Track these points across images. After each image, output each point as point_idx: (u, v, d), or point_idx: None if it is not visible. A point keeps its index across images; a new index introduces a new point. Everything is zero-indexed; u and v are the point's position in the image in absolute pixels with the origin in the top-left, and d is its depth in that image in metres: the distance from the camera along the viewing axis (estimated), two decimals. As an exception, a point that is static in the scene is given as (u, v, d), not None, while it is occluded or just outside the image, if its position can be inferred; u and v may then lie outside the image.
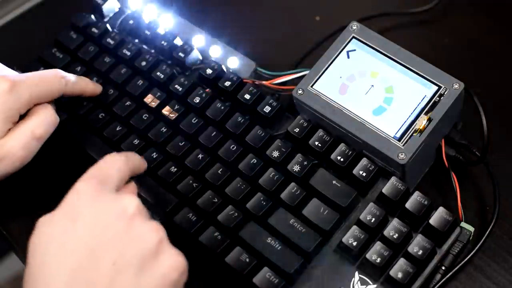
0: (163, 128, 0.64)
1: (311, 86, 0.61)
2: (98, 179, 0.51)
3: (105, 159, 0.53)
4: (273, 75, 0.67)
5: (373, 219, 0.57)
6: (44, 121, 0.59)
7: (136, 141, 0.64)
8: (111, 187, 0.51)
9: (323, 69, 0.62)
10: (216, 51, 0.69)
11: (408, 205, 0.57)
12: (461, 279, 0.58)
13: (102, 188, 0.50)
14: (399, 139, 0.58)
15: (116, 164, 0.53)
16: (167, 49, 0.68)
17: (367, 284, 0.56)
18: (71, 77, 0.62)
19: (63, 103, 0.67)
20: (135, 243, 0.48)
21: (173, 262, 0.48)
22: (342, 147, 0.60)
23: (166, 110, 0.65)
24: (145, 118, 0.65)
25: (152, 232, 0.49)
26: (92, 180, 0.50)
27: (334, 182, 0.59)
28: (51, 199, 0.66)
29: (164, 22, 0.71)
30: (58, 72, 0.61)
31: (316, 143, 0.60)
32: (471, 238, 0.58)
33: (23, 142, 0.58)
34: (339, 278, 0.56)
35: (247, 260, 0.56)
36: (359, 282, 0.56)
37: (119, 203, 0.49)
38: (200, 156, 0.62)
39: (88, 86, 0.64)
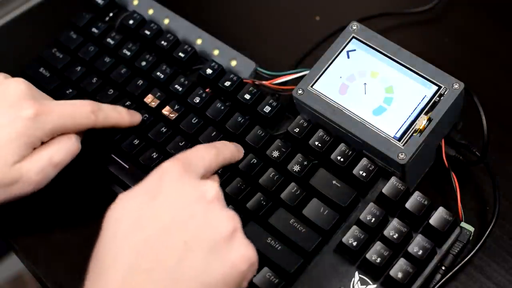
0: (163, 128, 0.64)
1: (311, 86, 0.61)
2: (184, 163, 0.51)
3: (196, 147, 0.55)
4: (273, 75, 0.67)
5: (373, 219, 0.57)
6: (64, 149, 0.58)
7: (136, 141, 0.64)
8: (196, 173, 0.52)
9: (323, 69, 0.62)
10: (216, 51, 0.69)
11: (408, 205, 0.57)
12: (461, 279, 0.58)
13: (186, 171, 0.51)
14: (399, 139, 0.58)
15: (206, 155, 0.54)
16: (167, 49, 0.68)
17: (367, 284, 0.56)
18: (105, 109, 0.61)
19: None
20: (210, 227, 0.48)
21: (244, 252, 0.48)
22: (342, 147, 0.60)
23: (166, 110, 0.65)
24: (145, 118, 0.65)
25: (228, 219, 0.49)
26: (178, 162, 0.51)
27: (334, 182, 0.59)
28: (51, 199, 0.66)
29: (164, 22, 0.71)
30: (89, 106, 0.60)
31: (316, 143, 0.60)
32: (471, 238, 0.58)
33: (39, 167, 0.57)
34: (339, 278, 0.56)
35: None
36: (359, 282, 0.56)
37: (200, 187, 0.50)
38: (200, 156, 0.62)
39: (123, 119, 0.62)
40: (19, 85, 0.59)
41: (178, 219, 0.48)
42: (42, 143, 0.58)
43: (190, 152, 0.54)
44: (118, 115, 0.62)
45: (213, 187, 0.50)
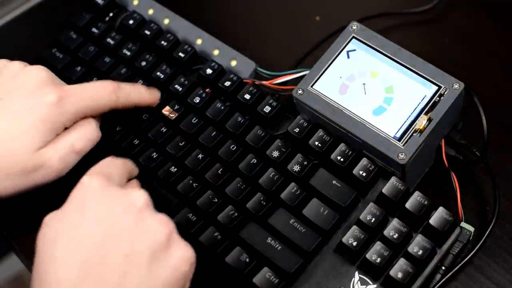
0: (163, 128, 0.64)
1: (311, 86, 0.61)
2: (102, 175, 0.51)
3: (105, 159, 0.55)
4: (273, 75, 0.67)
5: (373, 219, 0.57)
6: (86, 135, 0.59)
7: (136, 141, 0.64)
8: (117, 182, 0.52)
9: (323, 69, 0.62)
10: (216, 51, 0.69)
11: (408, 205, 0.57)
12: (461, 279, 0.58)
13: (109, 183, 0.51)
14: (399, 139, 0.58)
15: (117, 164, 0.55)
16: (167, 49, 0.69)
17: (367, 284, 0.56)
18: (126, 88, 0.61)
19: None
20: (146, 235, 0.48)
21: (183, 253, 0.49)
22: (342, 147, 0.60)
23: (166, 110, 0.65)
24: (145, 118, 0.65)
25: (162, 224, 0.49)
26: (97, 175, 0.51)
27: (334, 182, 0.59)
28: (51, 199, 0.66)
29: (164, 22, 0.71)
30: (109, 86, 0.60)
31: (316, 143, 0.60)
32: (471, 238, 0.58)
33: (61, 154, 0.57)
34: (339, 278, 0.56)
35: (247, 260, 0.56)
36: (359, 282, 0.56)
37: (127, 197, 0.50)
38: (200, 156, 0.62)
39: (143, 98, 0.63)
40: (40, 71, 0.59)
41: (113, 233, 0.47)
42: (65, 128, 0.58)
43: (105, 163, 0.54)
44: (139, 94, 0.62)
45: (140, 194, 0.50)
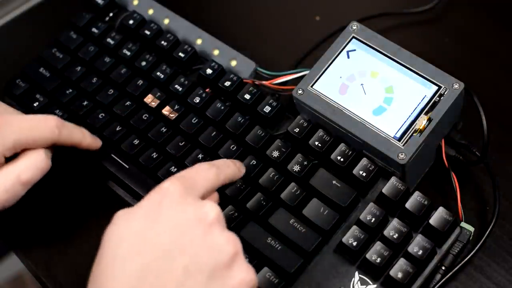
0: (163, 128, 0.64)
1: (311, 86, 0.61)
2: (185, 183, 0.50)
3: (197, 166, 0.54)
4: (273, 75, 0.67)
5: (373, 219, 0.57)
6: (33, 165, 0.57)
7: (136, 141, 0.64)
8: (196, 193, 0.51)
9: (323, 69, 0.62)
10: (216, 51, 0.69)
11: (408, 205, 0.57)
12: (461, 279, 0.58)
13: (187, 192, 0.50)
14: (399, 139, 0.58)
15: (206, 175, 0.54)
16: (167, 49, 0.69)
17: (367, 284, 0.56)
18: (69, 127, 0.59)
19: (63, 103, 0.67)
20: (210, 251, 0.47)
21: (244, 276, 0.48)
22: (342, 147, 0.60)
23: (166, 110, 0.65)
24: (145, 118, 0.65)
25: (229, 243, 0.48)
26: (178, 182, 0.50)
27: (334, 182, 0.59)
28: (51, 199, 0.66)
29: (164, 22, 0.71)
30: (52, 121, 0.58)
31: (316, 143, 0.60)
32: (471, 238, 0.58)
33: (7, 185, 0.56)
34: (339, 278, 0.56)
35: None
36: (359, 282, 0.56)
37: (200, 209, 0.49)
38: (200, 156, 0.62)
39: (85, 139, 0.61)
40: None
41: (178, 244, 0.47)
42: (7, 158, 0.56)
43: (191, 171, 0.53)
44: (82, 135, 0.60)
45: (213, 208, 0.49)
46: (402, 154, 0.57)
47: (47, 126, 0.58)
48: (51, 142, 0.58)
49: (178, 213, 0.48)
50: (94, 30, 0.71)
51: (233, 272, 0.47)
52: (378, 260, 0.55)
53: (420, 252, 0.55)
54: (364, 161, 0.59)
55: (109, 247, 0.47)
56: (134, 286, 0.45)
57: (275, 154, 0.61)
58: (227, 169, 0.57)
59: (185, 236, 0.47)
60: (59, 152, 0.68)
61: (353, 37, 0.63)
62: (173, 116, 0.64)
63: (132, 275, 0.45)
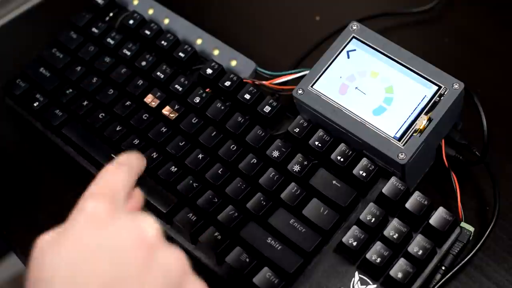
0: (163, 128, 0.64)
1: (311, 86, 0.61)
2: (107, 196, 0.44)
3: (108, 170, 0.47)
4: (273, 75, 0.67)
5: (373, 219, 0.57)
6: None
7: (136, 141, 0.64)
8: (122, 203, 0.45)
9: (323, 69, 0.62)
10: (216, 51, 0.69)
11: (408, 205, 0.57)
12: (461, 279, 0.58)
13: (114, 207, 0.43)
14: (399, 139, 0.58)
15: (121, 175, 0.47)
16: (167, 49, 0.68)
17: (367, 284, 0.56)
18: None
19: (63, 103, 0.67)
20: (157, 275, 0.41)
21: None
22: (342, 147, 0.60)
23: (166, 110, 0.65)
24: (145, 118, 0.65)
25: (176, 261, 0.42)
26: (100, 197, 0.44)
27: (334, 182, 0.59)
28: (51, 199, 0.66)
29: (164, 22, 0.71)
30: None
31: (316, 143, 0.60)
32: (471, 238, 0.58)
33: None
34: (339, 278, 0.56)
35: (247, 260, 0.56)
36: (359, 282, 0.56)
37: (137, 227, 0.42)
38: (200, 156, 0.62)
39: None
40: None
41: (120, 273, 0.40)
42: None
43: (106, 180, 0.46)
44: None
45: (150, 224, 0.43)
46: (402, 154, 0.57)
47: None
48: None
49: (113, 237, 0.41)
50: (94, 30, 0.71)
51: None
52: (378, 260, 0.55)
53: (420, 252, 0.55)
54: (364, 161, 0.59)
55: (41, 284, 0.40)
56: None
57: (275, 154, 0.61)
58: (134, 160, 0.50)
59: (125, 263, 0.40)
60: (60, 152, 0.68)
61: (353, 37, 0.63)
62: (173, 116, 0.64)
63: None
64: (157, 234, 0.43)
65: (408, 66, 0.61)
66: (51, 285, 0.40)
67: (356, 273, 0.56)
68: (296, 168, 0.60)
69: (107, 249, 0.41)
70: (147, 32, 0.70)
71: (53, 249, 0.41)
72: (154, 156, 0.62)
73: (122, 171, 0.48)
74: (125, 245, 0.41)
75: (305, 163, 0.60)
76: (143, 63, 0.68)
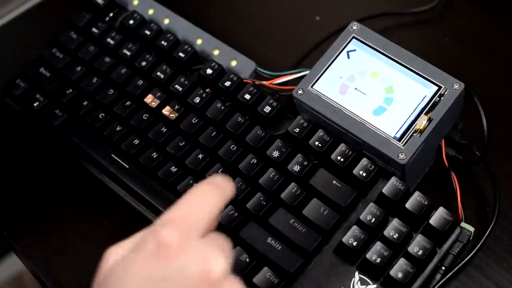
0: (163, 128, 0.64)
1: (311, 86, 0.61)
2: (186, 225, 0.42)
3: (197, 191, 0.44)
4: (273, 75, 0.67)
5: (373, 219, 0.57)
6: None
7: (136, 141, 0.64)
8: (198, 233, 0.43)
9: (323, 69, 0.62)
10: (216, 51, 0.69)
11: (408, 205, 0.57)
12: (461, 279, 0.58)
13: (188, 238, 0.42)
14: (399, 139, 0.58)
15: (208, 202, 0.44)
16: (167, 49, 0.68)
17: (367, 284, 0.56)
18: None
19: (63, 103, 0.67)
20: None
21: None
22: (342, 147, 0.60)
23: (166, 110, 0.65)
24: (145, 118, 0.65)
25: None
26: (177, 227, 0.42)
27: (334, 182, 0.59)
28: (51, 199, 0.66)
29: (164, 22, 0.71)
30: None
31: (316, 143, 0.60)
32: (471, 238, 0.58)
33: None
34: (339, 278, 0.56)
35: (247, 260, 0.56)
36: (359, 282, 0.56)
37: (204, 264, 0.41)
38: (200, 156, 0.62)
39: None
40: None
41: None
42: None
43: (191, 203, 0.44)
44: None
45: (219, 262, 0.41)
46: (402, 154, 0.57)
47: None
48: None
49: (178, 271, 0.41)
50: (94, 30, 0.71)
51: None
52: (378, 260, 0.55)
53: (420, 252, 0.55)
54: (364, 161, 0.59)
55: None
56: None
57: (275, 154, 0.61)
58: (226, 188, 0.46)
59: None
60: (60, 151, 0.68)
61: (353, 37, 0.63)
62: (173, 116, 0.64)
63: None
64: (223, 274, 0.41)
65: (408, 66, 0.61)
66: None
67: (356, 273, 0.56)
68: (296, 168, 0.60)
69: (170, 283, 0.40)
70: (147, 32, 0.70)
71: (120, 270, 0.41)
72: (154, 156, 0.62)
73: (211, 196, 0.44)
74: (189, 282, 0.41)
75: (305, 163, 0.60)
76: (143, 63, 0.68)
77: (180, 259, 0.41)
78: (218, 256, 0.42)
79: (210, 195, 0.44)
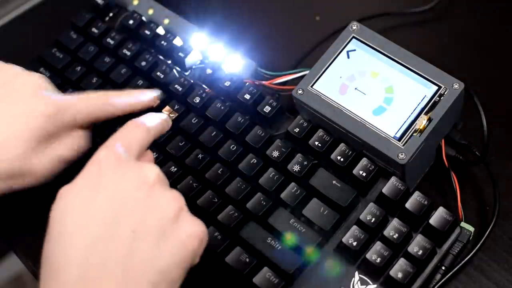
0: (163, 128, 0.64)
1: (311, 86, 0.61)
2: (120, 148, 0.51)
3: (127, 126, 0.54)
4: (273, 75, 0.67)
5: (373, 219, 0.57)
6: (75, 145, 0.60)
7: (136, 141, 0.64)
8: (132, 156, 0.52)
9: (323, 69, 0.62)
10: (216, 51, 0.69)
11: (408, 205, 0.57)
12: (461, 279, 0.58)
13: (124, 157, 0.50)
14: (399, 139, 0.58)
15: (138, 133, 0.53)
16: (167, 49, 0.68)
17: (367, 284, 0.56)
18: (122, 97, 0.62)
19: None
20: (155, 211, 0.48)
21: (192, 229, 0.49)
22: (342, 147, 0.60)
23: (166, 110, 0.65)
24: (145, 118, 0.65)
25: (172, 200, 0.49)
26: (113, 148, 0.51)
27: (334, 182, 0.59)
28: (51, 199, 0.66)
29: (164, 22, 0.71)
30: (104, 97, 0.61)
31: (316, 143, 0.60)
32: (471, 238, 0.58)
33: (48, 162, 0.59)
34: (339, 278, 0.56)
35: (247, 260, 0.56)
36: (359, 282, 0.56)
37: (140, 172, 0.50)
38: (200, 156, 0.62)
39: (137, 103, 0.62)
40: (39, 79, 0.60)
41: (123, 210, 0.47)
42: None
43: (123, 134, 0.53)
44: (134, 100, 0.62)
45: (152, 169, 0.50)
46: (402, 154, 0.57)
47: (100, 104, 0.61)
48: (106, 118, 0.61)
49: (118, 179, 0.49)
50: (94, 30, 0.71)
51: (180, 228, 0.48)
52: (378, 260, 0.55)
53: (420, 252, 0.55)
54: (364, 161, 0.59)
55: (55, 223, 0.48)
56: (85, 258, 0.45)
57: (275, 154, 0.61)
58: (156, 122, 0.56)
59: (128, 201, 0.48)
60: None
61: (353, 37, 0.63)
62: (173, 116, 0.64)
63: (82, 248, 0.46)
64: (157, 178, 0.50)
65: (408, 66, 0.61)
66: (65, 223, 0.47)
67: (356, 273, 0.56)
68: (296, 168, 0.60)
69: (112, 190, 0.48)
70: (147, 32, 0.70)
71: (68, 192, 0.49)
72: (154, 156, 0.62)
73: (140, 129, 0.54)
74: (128, 187, 0.48)
75: (305, 163, 0.60)
76: (143, 63, 0.68)
77: (119, 171, 0.49)
78: (150, 165, 0.50)
79: (138, 129, 0.54)
